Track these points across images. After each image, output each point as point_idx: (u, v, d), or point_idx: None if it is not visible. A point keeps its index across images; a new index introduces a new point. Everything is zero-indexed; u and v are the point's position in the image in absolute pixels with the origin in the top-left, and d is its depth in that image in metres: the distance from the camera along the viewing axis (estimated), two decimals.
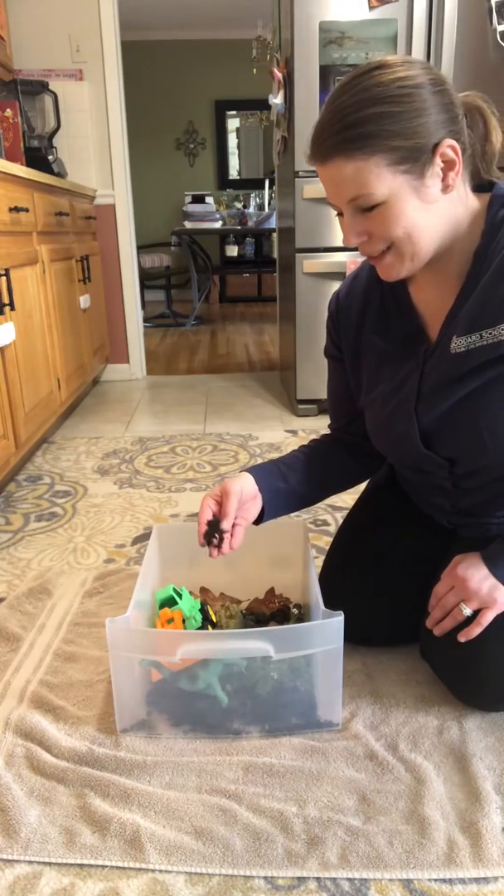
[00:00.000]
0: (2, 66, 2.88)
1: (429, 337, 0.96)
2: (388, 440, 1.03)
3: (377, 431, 1.05)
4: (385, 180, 0.80)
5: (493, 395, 0.88)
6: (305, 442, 1.20)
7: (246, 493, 1.04)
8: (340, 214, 0.87)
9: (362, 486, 1.29)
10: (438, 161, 0.81)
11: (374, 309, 1.02)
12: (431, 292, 0.95)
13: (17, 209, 1.97)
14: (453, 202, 0.85)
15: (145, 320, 4.82)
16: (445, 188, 0.83)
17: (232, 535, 1.03)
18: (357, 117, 0.79)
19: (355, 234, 0.85)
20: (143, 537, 1.70)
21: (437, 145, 0.80)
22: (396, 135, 0.78)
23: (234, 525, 1.03)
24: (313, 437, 1.24)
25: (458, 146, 0.81)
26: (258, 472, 1.08)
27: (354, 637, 1.07)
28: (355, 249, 2.49)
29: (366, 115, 0.79)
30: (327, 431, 1.22)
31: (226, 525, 1.01)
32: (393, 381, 0.99)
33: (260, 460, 2.23)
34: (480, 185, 0.91)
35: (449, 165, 0.82)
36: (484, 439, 0.90)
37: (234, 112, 6.75)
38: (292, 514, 1.17)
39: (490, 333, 0.85)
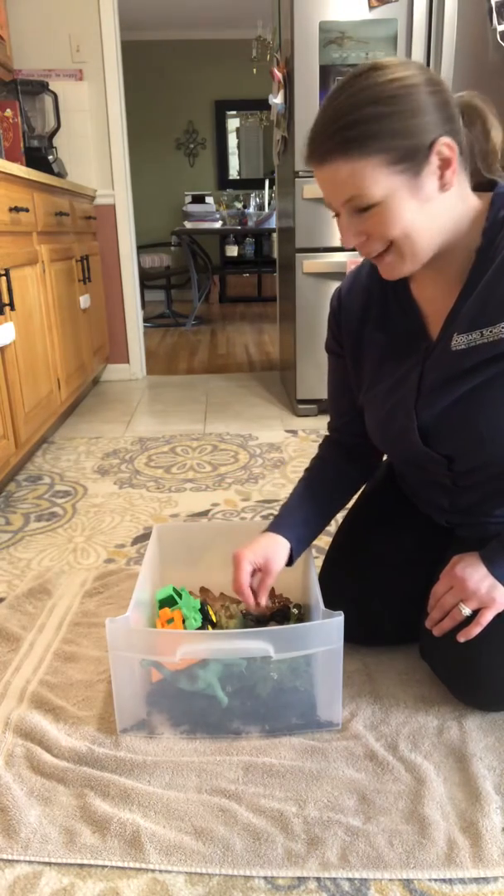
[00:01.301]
0: (2, 66, 2.88)
1: (430, 334, 0.96)
2: (388, 437, 1.03)
3: (376, 428, 1.05)
4: (381, 181, 0.81)
5: (493, 392, 0.88)
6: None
7: (280, 567, 1.07)
8: (337, 215, 0.88)
9: None
10: (435, 159, 0.81)
11: (375, 305, 1.03)
12: (433, 290, 0.95)
13: (17, 209, 1.97)
14: (452, 201, 0.85)
15: (145, 320, 4.82)
16: (443, 186, 0.83)
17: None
18: (353, 118, 0.79)
19: (352, 234, 0.86)
20: (143, 537, 1.70)
21: (432, 144, 0.80)
22: (392, 134, 0.79)
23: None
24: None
25: (454, 144, 0.81)
26: (290, 530, 1.09)
27: (354, 637, 1.07)
28: (355, 249, 2.50)
29: (362, 115, 0.79)
30: (326, 435, 1.23)
31: (264, 601, 1.06)
32: (393, 377, 0.99)
33: (260, 461, 2.23)
34: (481, 185, 0.91)
35: (445, 163, 0.82)
36: (483, 437, 0.90)
37: (234, 112, 6.75)
38: None
39: (490, 331, 0.85)
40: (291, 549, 1.08)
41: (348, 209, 0.85)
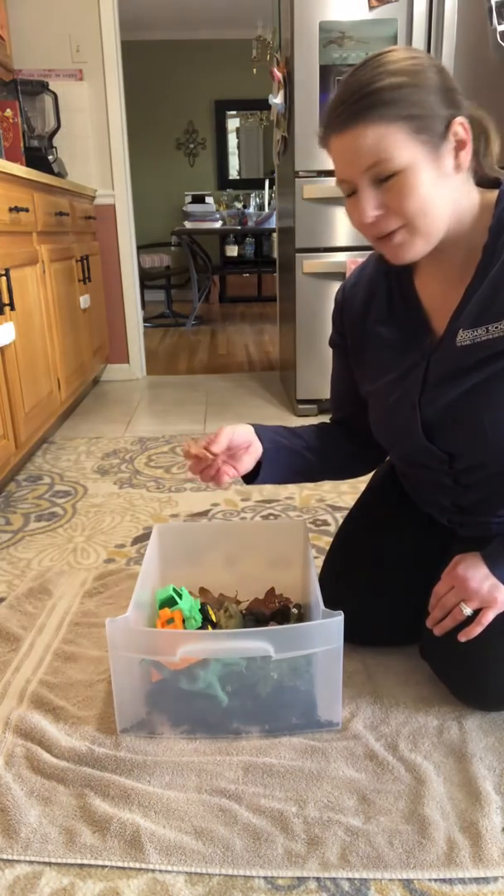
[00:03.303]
0: (2, 66, 2.88)
1: (434, 329, 0.96)
2: (390, 431, 1.03)
3: (379, 422, 1.05)
4: (405, 147, 0.81)
5: (497, 389, 0.88)
6: None
7: (238, 434, 1.00)
8: (350, 195, 0.87)
9: (362, 485, 1.29)
10: (451, 138, 0.83)
11: (379, 300, 1.03)
12: (436, 286, 0.95)
13: (17, 209, 1.97)
14: (462, 186, 0.87)
15: (145, 320, 4.82)
16: (457, 167, 0.85)
17: (218, 471, 0.98)
18: (378, 86, 0.80)
19: (372, 206, 0.84)
20: (143, 537, 1.70)
21: (450, 123, 0.82)
22: (415, 104, 0.80)
23: (223, 463, 0.98)
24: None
25: (468, 125, 0.83)
26: (259, 426, 1.06)
27: (354, 637, 1.07)
28: (355, 249, 2.51)
29: (386, 84, 0.81)
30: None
31: (215, 448, 0.96)
32: (397, 371, 1.00)
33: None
34: (482, 184, 0.91)
35: (460, 144, 0.84)
36: (486, 433, 0.90)
37: (234, 112, 6.75)
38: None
39: (496, 327, 0.86)
40: (260, 440, 1.04)
41: (368, 179, 0.83)
